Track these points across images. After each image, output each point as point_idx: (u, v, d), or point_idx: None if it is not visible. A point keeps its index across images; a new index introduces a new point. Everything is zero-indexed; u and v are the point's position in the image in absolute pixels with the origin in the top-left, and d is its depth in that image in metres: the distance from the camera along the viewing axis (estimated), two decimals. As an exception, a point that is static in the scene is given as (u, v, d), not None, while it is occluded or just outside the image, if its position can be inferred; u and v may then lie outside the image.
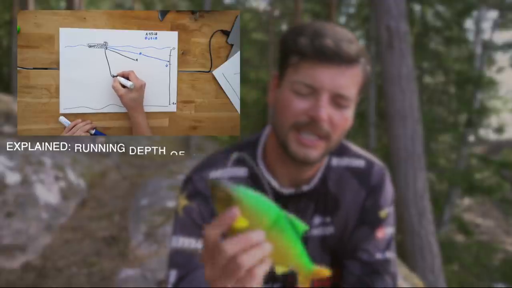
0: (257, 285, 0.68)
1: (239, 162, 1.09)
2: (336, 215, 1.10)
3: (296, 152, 0.95)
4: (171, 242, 1.04)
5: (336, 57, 0.90)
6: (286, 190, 1.06)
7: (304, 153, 0.95)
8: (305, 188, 1.06)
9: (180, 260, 1.00)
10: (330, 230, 1.10)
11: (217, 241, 0.64)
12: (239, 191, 0.65)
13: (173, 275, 0.99)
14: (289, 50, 0.96)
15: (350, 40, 0.94)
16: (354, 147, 1.15)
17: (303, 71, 0.93)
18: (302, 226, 0.69)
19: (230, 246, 0.63)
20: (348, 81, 0.93)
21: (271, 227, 0.66)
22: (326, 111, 0.92)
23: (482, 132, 13.53)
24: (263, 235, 0.64)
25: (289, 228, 0.68)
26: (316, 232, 1.10)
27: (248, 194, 0.65)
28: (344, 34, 0.94)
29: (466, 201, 14.25)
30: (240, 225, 0.64)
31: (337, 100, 0.93)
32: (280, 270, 0.72)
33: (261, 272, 0.67)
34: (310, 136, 0.94)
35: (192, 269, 0.98)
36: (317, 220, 1.10)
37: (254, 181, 1.07)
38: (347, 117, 0.96)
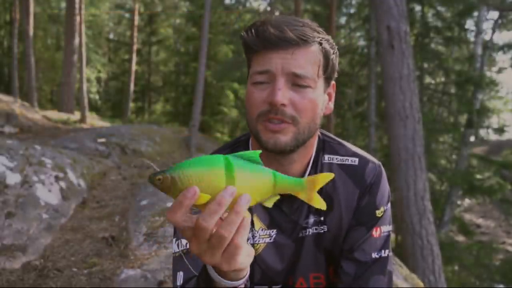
0: (242, 255, 0.67)
1: None
2: (330, 214, 1.10)
3: (266, 141, 0.96)
4: (174, 246, 1.05)
5: (281, 42, 0.92)
6: None
7: (274, 139, 0.96)
8: None
9: (187, 262, 1.00)
10: (324, 228, 1.10)
11: (186, 222, 0.64)
12: (179, 173, 0.63)
13: (180, 276, 0.99)
14: (245, 49, 1.00)
15: (298, 24, 0.95)
16: (350, 146, 1.15)
17: (255, 63, 0.96)
18: (254, 152, 0.67)
19: (206, 220, 0.62)
20: (302, 61, 0.93)
21: (227, 176, 0.63)
22: (283, 94, 0.93)
23: (483, 132, 13.51)
24: (232, 190, 0.63)
25: (244, 162, 0.66)
26: (311, 231, 1.10)
27: (189, 171, 0.63)
28: (291, 20, 0.96)
29: (467, 201, 14.24)
30: (203, 201, 0.63)
31: (295, 81, 0.94)
32: (270, 203, 0.70)
33: (241, 239, 0.65)
34: (276, 121, 0.95)
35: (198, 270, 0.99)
36: (311, 219, 1.10)
37: None
38: (311, 98, 0.96)
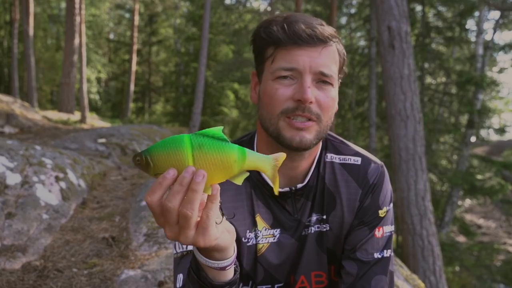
0: (214, 229, 0.69)
1: None
2: (332, 212, 1.10)
3: (291, 138, 0.96)
4: (175, 248, 1.04)
5: (311, 39, 0.93)
6: (282, 189, 1.06)
7: (300, 137, 0.96)
8: (300, 186, 1.07)
9: (187, 264, 0.99)
10: (326, 227, 1.10)
11: (160, 206, 0.67)
12: (150, 154, 0.67)
13: (180, 278, 0.99)
14: (263, 44, 0.98)
15: (321, 23, 0.97)
16: (352, 145, 1.15)
17: (280, 58, 0.95)
18: (216, 129, 0.68)
19: (170, 201, 0.65)
20: (327, 59, 0.95)
21: (192, 155, 0.66)
22: (311, 92, 0.93)
23: (484, 133, 13.51)
24: (192, 169, 0.65)
25: (207, 141, 0.67)
26: (313, 229, 1.10)
27: (157, 152, 0.67)
28: (313, 18, 0.98)
29: (467, 202, 14.23)
30: None
31: (320, 79, 0.96)
32: (239, 180, 0.69)
33: (210, 213, 0.68)
34: (301, 119, 0.95)
35: None
36: (314, 217, 1.10)
37: (250, 180, 1.08)
38: (333, 96, 0.98)
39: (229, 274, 0.80)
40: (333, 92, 0.98)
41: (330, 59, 0.96)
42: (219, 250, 0.74)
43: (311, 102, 0.94)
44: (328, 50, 0.96)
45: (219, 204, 0.70)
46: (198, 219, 0.68)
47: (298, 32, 0.92)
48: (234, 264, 0.82)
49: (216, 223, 0.71)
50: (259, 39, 0.99)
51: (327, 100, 0.96)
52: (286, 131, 0.96)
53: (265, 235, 1.08)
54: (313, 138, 0.97)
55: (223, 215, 0.75)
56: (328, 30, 0.96)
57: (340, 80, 1.04)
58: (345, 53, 1.02)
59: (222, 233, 0.72)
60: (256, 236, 1.08)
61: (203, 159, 0.66)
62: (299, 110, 0.94)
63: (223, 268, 0.78)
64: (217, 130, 0.68)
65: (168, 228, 0.68)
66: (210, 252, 0.75)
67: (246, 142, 1.13)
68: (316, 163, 1.09)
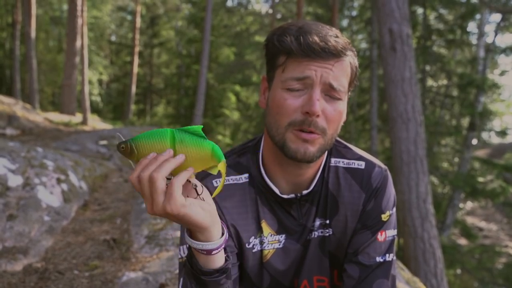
0: (179, 194, 0.75)
1: (240, 168, 1.09)
2: (335, 217, 1.09)
3: (296, 149, 0.96)
4: (180, 251, 1.05)
5: (323, 52, 0.92)
6: (287, 196, 1.06)
7: (304, 149, 0.96)
8: (305, 192, 1.07)
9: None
10: (329, 232, 1.10)
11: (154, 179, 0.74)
12: (135, 142, 0.78)
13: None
14: (276, 51, 0.98)
15: (336, 34, 0.96)
16: (356, 149, 1.15)
17: (292, 68, 0.94)
18: (196, 127, 0.78)
19: (143, 170, 0.74)
20: (338, 73, 0.94)
21: (170, 145, 0.77)
22: (319, 104, 0.93)
23: (485, 135, 13.48)
24: (170, 152, 0.76)
25: (188, 136, 0.77)
26: (317, 233, 1.10)
27: (142, 141, 0.78)
28: (328, 30, 0.96)
29: (469, 204, 14.19)
30: None
31: (330, 93, 0.95)
32: (215, 171, 0.80)
33: (177, 180, 0.75)
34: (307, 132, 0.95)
35: None
36: (317, 222, 1.10)
37: (255, 187, 1.08)
38: (340, 110, 0.97)
39: (218, 260, 0.83)
40: (342, 105, 0.97)
41: (341, 73, 0.95)
42: (197, 226, 0.78)
43: (318, 116, 0.93)
44: (341, 64, 0.95)
45: (197, 187, 0.79)
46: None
47: (311, 45, 0.91)
48: (225, 253, 0.86)
49: (188, 196, 0.79)
50: (272, 46, 0.98)
51: (334, 114, 0.96)
52: (292, 142, 0.96)
53: (271, 241, 1.08)
54: (317, 151, 0.97)
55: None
56: (341, 43, 0.94)
57: (350, 93, 1.03)
58: (357, 65, 1.00)
59: (192, 205, 0.76)
60: (261, 242, 1.08)
61: (183, 151, 0.76)
62: (306, 124, 0.94)
63: (209, 252, 0.81)
64: (197, 127, 0.78)
65: (145, 199, 0.75)
66: (193, 232, 0.80)
67: (251, 147, 1.12)
68: (323, 168, 1.09)
